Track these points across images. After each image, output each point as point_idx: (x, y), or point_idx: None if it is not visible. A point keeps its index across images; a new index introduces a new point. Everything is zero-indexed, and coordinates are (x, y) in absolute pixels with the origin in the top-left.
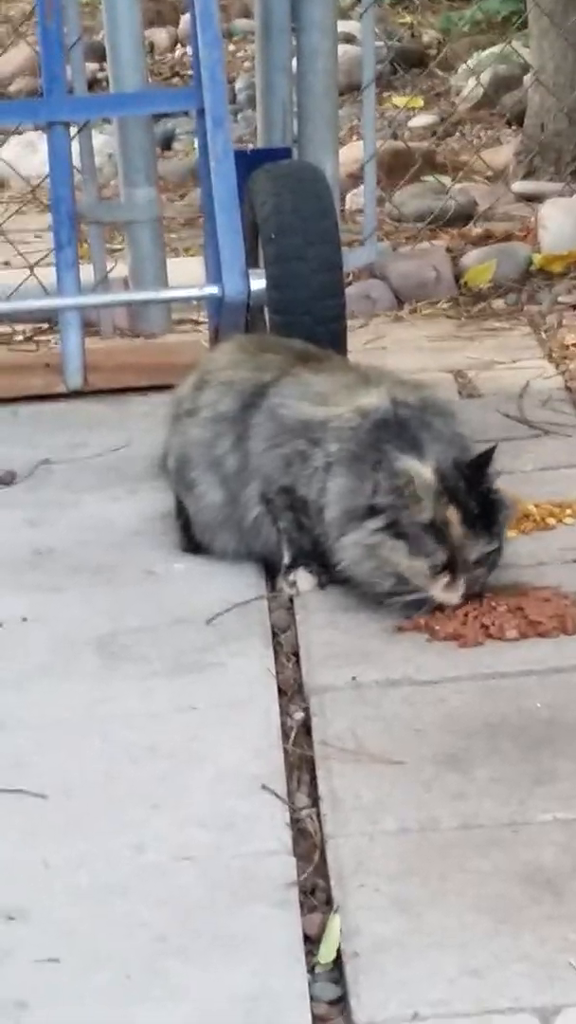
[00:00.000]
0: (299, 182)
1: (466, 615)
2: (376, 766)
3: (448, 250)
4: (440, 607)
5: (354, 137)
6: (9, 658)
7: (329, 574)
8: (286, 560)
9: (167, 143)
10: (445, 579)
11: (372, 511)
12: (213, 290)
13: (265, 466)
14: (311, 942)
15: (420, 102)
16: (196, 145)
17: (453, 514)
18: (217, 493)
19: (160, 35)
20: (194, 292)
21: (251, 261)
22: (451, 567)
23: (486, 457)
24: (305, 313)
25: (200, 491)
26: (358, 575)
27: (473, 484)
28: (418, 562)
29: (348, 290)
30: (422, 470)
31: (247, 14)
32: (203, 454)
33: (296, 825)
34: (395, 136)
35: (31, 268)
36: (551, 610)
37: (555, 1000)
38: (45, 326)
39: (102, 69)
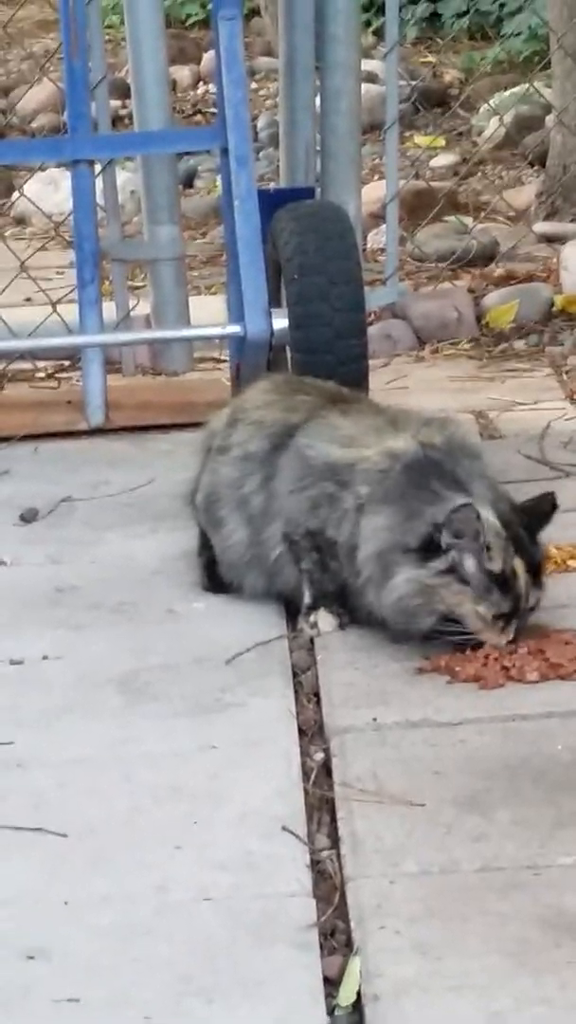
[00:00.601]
0: (322, 222)
1: (487, 657)
2: (396, 808)
3: (470, 290)
4: (463, 647)
5: (376, 176)
6: (31, 696)
7: (350, 615)
8: (307, 601)
9: (189, 180)
10: (500, 625)
11: (433, 549)
12: (236, 329)
13: (290, 508)
14: (331, 984)
15: (442, 142)
16: (219, 183)
17: (520, 565)
18: (243, 532)
19: (183, 72)
20: (217, 331)
21: (274, 300)
22: (511, 616)
23: (549, 505)
24: (328, 352)
25: (227, 530)
26: (401, 611)
27: (532, 532)
28: (482, 608)
29: (370, 330)
30: (491, 516)
31: (269, 52)
32: (231, 493)
33: (316, 867)
34: (417, 176)
35: (54, 305)
36: (572, 653)
37: None
38: (67, 363)
39: (124, 106)
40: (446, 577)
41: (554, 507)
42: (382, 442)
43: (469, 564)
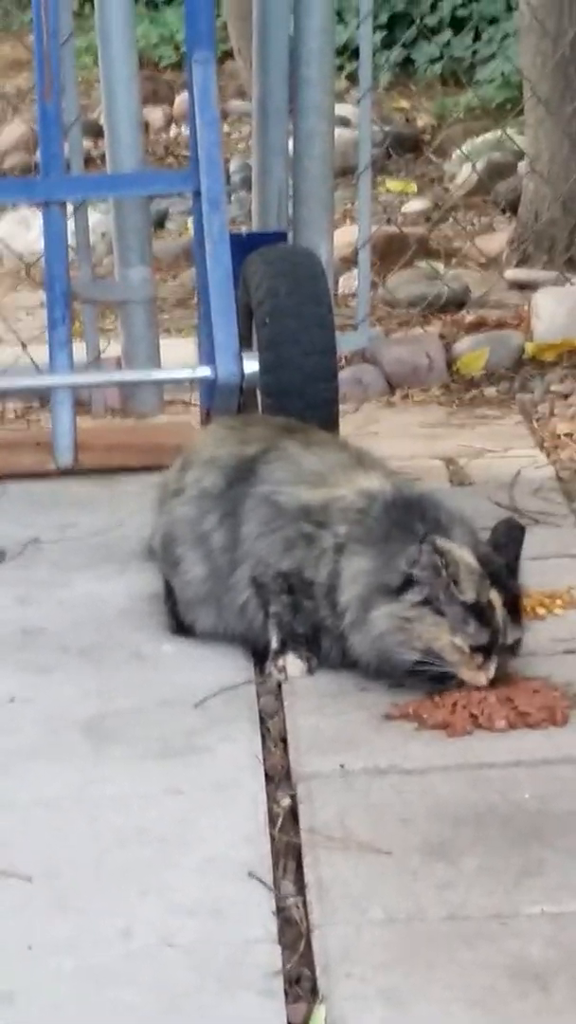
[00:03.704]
0: (294, 266)
1: (455, 704)
2: (363, 855)
3: (441, 336)
4: (439, 690)
5: (348, 221)
6: None
7: (325, 657)
8: (275, 645)
9: (160, 222)
10: (479, 660)
11: (407, 584)
12: (206, 372)
13: (260, 550)
14: None
15: (414, 187)
16: (190, 225)
17: (496, 597)
18: (201, 568)
19: (155, 114)
20: (187, 373)
21: (245, 344)
22: (489, 649)
23: (515, 530)
24: (298, 397)
25: (185, 567)
26: (381, 648)
27: (509, 568)
28: (458, 639)
29: (340, 375)
30: (463, 552)
31: (242, 95)
32: (189, 531)
33: (282, 913)
34: (389, 221)
35: (23, 345)
36: (540, 701)
37: None
38: (36, 404)
39: (96, 146)
40: (420, 609)
41: (521, 529)
42: (353, 481)
43: (442, 597)
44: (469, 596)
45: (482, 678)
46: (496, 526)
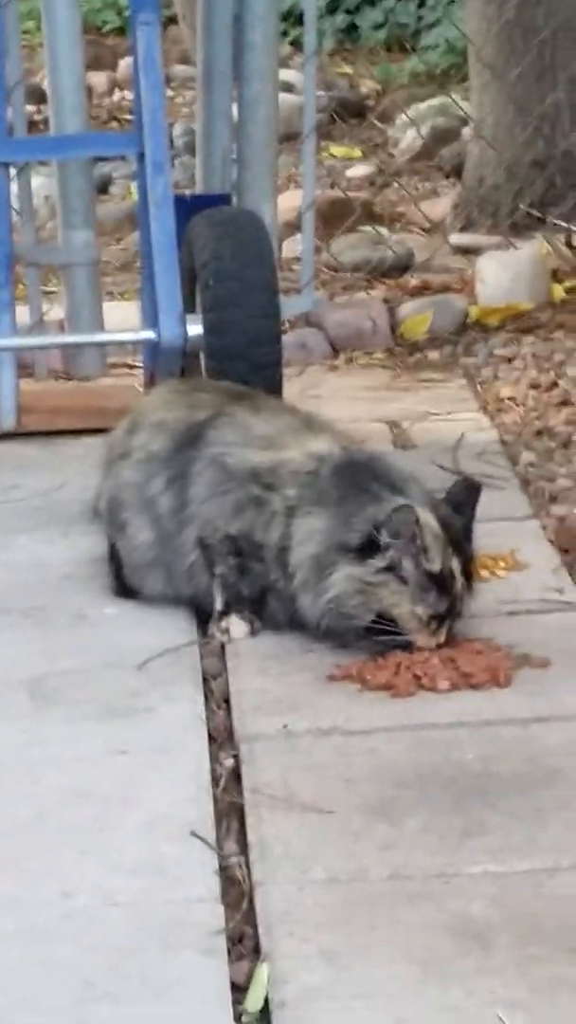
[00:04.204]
0: (238, 228)
1: (398, 665)
2: (306, 815)
3: (385, 301)
4: (383, 652)
5: (291, 185)
6: None
7: (272, 619)
8: (219, 606)
9: (104, 187)
10: (433, 626)
11: (370, 546)
12: (150, 335)
13: (208, 512)
14: (239, 990)
15: (358, 152)
16: (134, 189)
17: (456, 565)
18: (148, 533)
19: (99, 79)
20: (131, 336)
21: (188, 306)
22: (445, 617)
23: (472, 489)
24: (241, 359)
25: (131, 532)
26: (337, 609)
27: (467, 533)
28: (419, 608)
29: (284, 338)
30: (429, 517)
31: (185, 60)
32: (135, 495)
33: (225, 872)
34: (333, 185)
35: None
36: (483, 662)
37: None
38: None
39: (39, 111)
40: (385, 576)
41: (477, 489)
42: (302, 444)
43: (407, 564)
44: (435, 566)
45: (432, 641)
46: (453, 485)
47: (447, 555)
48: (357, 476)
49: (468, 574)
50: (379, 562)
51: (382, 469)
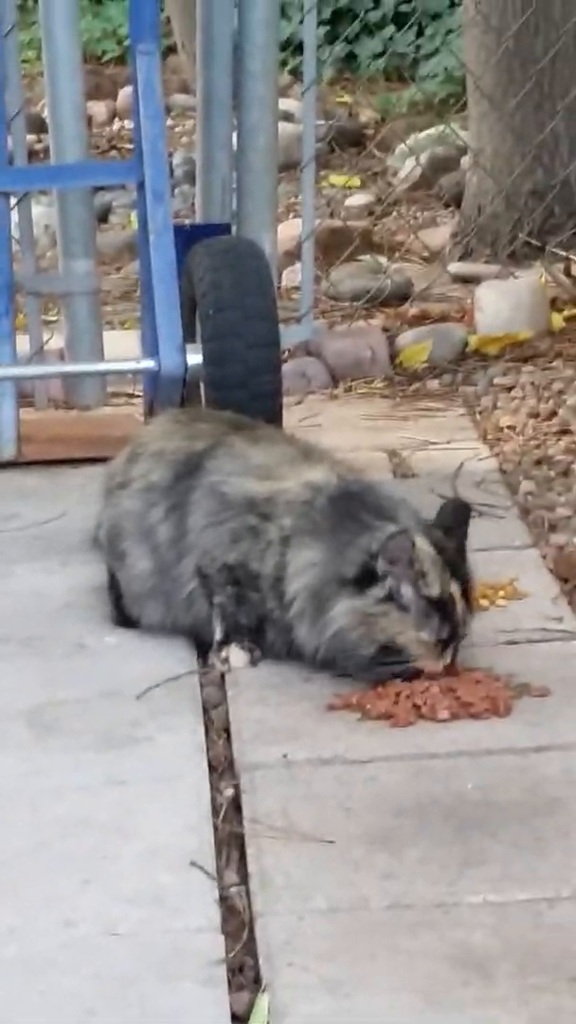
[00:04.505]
0: (238, 258)
1: (398, 695)
2: (306, 845)
3: (384, 330)
4: (395, 678)
5: (291, 214)
6: None
7: (270, 648)
8: (218, 636)
9: (104, 216)
10: (439, 651)
11: (367, 576)
12: (150, 364)
13: (206, 542)
14: (239, 1021)
15: (357, 181)
16: (134, 218)
17: (456, 589)
18: (147, 562)
19: (98, 108)
20: (131, 365)
21: (188, 336)
22: (449, 641)
23: (461, 512)
24: (241, 388)
25: (131, 561)
26: (340, 643)
27: (462, 555)
28: (424, 634)
29: (284, 367)
30: (423, 542)
31: (185, 89)
32: (135, 524)
33: (225, 902)
34: (332, 215)
35: None
36: (483, 692)
37: None
38: None
39: (40, 140)
40: (385, 605)
41: (467, 509)
42: (299, 473)
43: (407, 591)
44: (435, 591)
45: (439, 665)
46: (442, 507)
47: (445, 579)
48: (350, 506)
49: (468, 595)
50: (378, 592)
51: (372, 498)
